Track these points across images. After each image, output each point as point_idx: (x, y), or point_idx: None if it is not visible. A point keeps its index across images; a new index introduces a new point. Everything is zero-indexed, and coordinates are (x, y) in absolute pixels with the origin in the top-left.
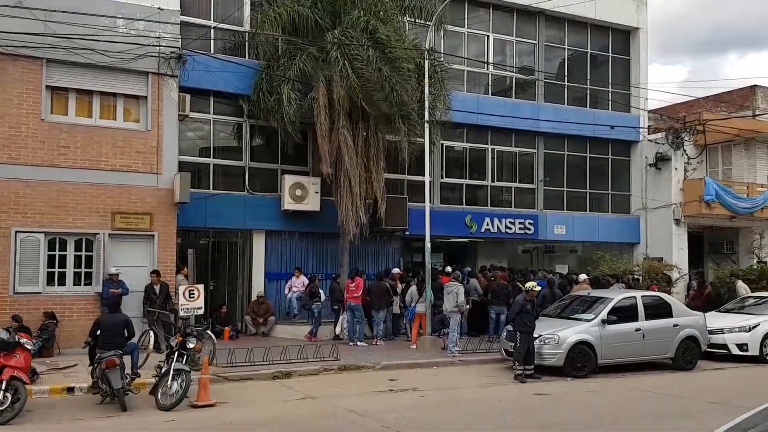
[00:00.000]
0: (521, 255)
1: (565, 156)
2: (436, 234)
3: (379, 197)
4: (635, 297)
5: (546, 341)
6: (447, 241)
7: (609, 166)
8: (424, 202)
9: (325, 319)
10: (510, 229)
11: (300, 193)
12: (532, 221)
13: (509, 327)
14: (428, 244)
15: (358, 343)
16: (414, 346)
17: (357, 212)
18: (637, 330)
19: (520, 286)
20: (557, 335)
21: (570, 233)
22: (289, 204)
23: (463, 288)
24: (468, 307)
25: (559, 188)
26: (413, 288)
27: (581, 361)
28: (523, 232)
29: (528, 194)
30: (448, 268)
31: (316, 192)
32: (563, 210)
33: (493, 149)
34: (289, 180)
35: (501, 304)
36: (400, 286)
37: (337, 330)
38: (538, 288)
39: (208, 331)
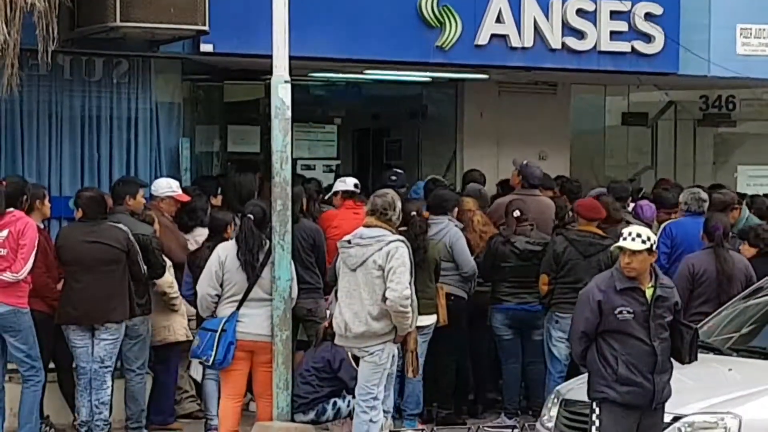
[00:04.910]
0: (616, 133)
1: None
2: (313, 54)
3: None
4: None
5: None
6: (354, 83)
7: None
8: None
9: None
10: (581, 37)
11: None
12: (658, 10)
13: (564, 388)
14: (284, 91)
15: None
16: None
17: None
18: None
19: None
20: (733, 416)
21: None
22: None
23: (408, 249)
24: (432, 321)
25: None
26: (225, 251)
27: None
28: (626, 48)
29: None
30: (343, 183)
31: None
32: None
33: None
34: None
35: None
36: (190, 245)
37: None
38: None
39: None
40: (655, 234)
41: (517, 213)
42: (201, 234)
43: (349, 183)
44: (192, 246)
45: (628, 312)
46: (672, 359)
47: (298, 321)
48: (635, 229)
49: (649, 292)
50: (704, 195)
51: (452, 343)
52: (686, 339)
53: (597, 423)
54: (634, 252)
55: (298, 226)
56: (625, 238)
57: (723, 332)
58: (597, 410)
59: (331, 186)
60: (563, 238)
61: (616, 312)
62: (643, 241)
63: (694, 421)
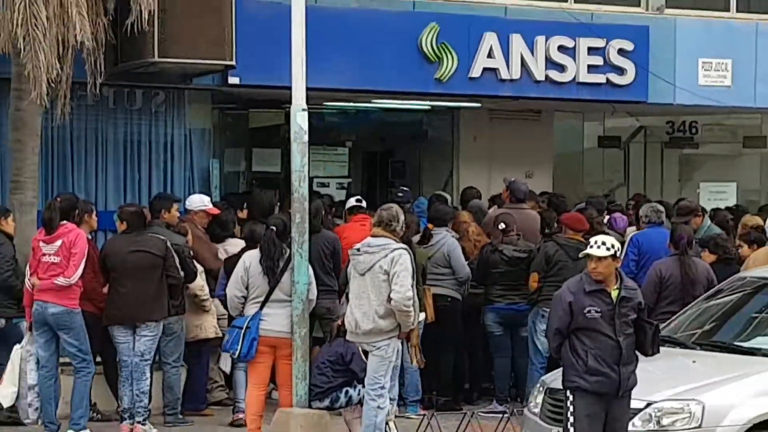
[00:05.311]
0: (593, 154)
1: None
2: (326, 85)
3: None
4: None
5: (664, 420)
6: (364, 110)
7: None
8: None
9: None
10: (562, 70)
11: None
12: (630, 46)
13: (549, 378)
14: (301, 118)
15: None
16: None
17: (67, 11)
18: None
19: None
20: (698, 402)
21: (745, 84)
22: None
23: (411, 257)
24: (422, 318)
25: None
26: (251, 260)
27: None
28: (601, 80)
29: None
30: (348, 202)
31: None
32: (726, 11)
33: None
34: None
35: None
36: (219, 254)
37: (6, 393)
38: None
39: None
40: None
41: (501, 225)
42: (231, 244)
43: (351, 201)
44: (222, 254)
45: (596, 311)
46: (637, 352)
47: (318, 318)
48: (600, 238)
49: (614, 294)
50: (660, 207)
51: (449, 339)
52: (648, 334)
53: (571, 409)
54: (599, 258)
55: (320, 235)
56: (591, 246)
57: (688, 329)
58: (570, 397)
59: (343, 201)
60: (554, 243)
61: (585, 311)
62: (608, 249)
63: (663, 406)
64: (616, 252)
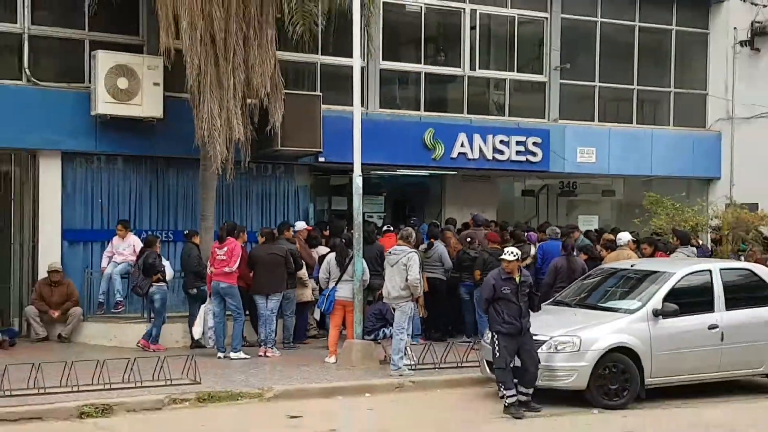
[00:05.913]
0: (519, 200)
1: (598, 25)
2: (372, 161)
3: (270, 95)
4: (710, 271)
5: (559, 347)
6: (392, 175)
7: (672, 43)
8: (350, 106)
9: (174, 312)
10: (501, 153)
11: (126, 85)
12: (539, 140)
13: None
14: (358, 180)
15: (233, 354)
16: (333, 359)
17: (230, 122)
18: (713, 327)
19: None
20: (577, 337)
21: (603, 161)
22: (106, 104)
23: (418, 256)
24: (421, 290)
25: (587, 83)
26: (330, 258)
27: (617, 381)
28: (523, 159)
29: (534, 93)
30: (384, 227)
31: (156, 84)
32: (593, 121)
33: (473, 11)
34: (105, 60)
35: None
36: (314, 255)
37: (197, 331)
38: (526, 257)
39: None
40: (536, 249)
41: (468, 239)
42: (320, 249)
43: (384, 227)
44: (315, 255)
45: (507, 289)
46: (530, 311)
47: (371, 290)
48: (509, 249)
49: (518, 279)
50: (557, 229)
51: (440, 302)
52: (535, 300)
53: (496, 342)
54: (509, 261)
55: (375, 244)
56: (504, 254)
57: (571, 296)
58: (495, 336)
59: (382, 227)
60: (486, 252)
61: (501, 289)
62: (513, 255)
63: (559, 339)
64: (518, 257)
